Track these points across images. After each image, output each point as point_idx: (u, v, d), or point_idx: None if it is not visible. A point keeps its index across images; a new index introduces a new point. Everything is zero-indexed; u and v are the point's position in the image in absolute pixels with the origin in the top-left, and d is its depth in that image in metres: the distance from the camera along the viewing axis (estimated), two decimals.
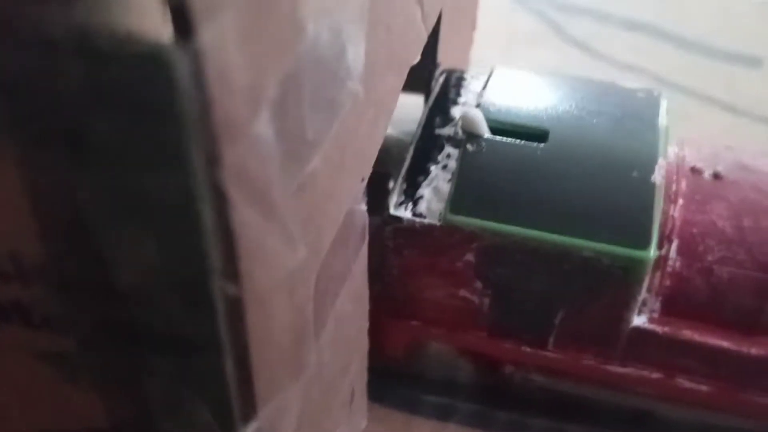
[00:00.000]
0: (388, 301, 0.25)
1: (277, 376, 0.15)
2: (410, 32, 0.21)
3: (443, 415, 0.28)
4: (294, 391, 0.16)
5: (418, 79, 0.28)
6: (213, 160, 0.10)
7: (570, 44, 0.43)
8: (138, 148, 0.11)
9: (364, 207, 0.20)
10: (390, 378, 0.28)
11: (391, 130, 0.26)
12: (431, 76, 0.28)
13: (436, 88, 0.27)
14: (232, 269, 0.12)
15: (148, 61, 0.10)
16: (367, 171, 0.19)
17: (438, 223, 0.23)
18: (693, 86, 0.41)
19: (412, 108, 0.27)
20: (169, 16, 0.09)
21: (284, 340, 0.15)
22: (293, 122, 0.13)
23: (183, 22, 0.09)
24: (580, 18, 0.45)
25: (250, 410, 0.14)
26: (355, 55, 0.16)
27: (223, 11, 0.10)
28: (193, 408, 0.14)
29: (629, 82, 0.41)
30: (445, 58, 0.29)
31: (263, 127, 0.11)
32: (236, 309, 0.13)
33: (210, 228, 0.11)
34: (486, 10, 0.37)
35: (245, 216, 0.12)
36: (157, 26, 0.09)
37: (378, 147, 0.20)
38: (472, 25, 0.35)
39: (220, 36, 0.10)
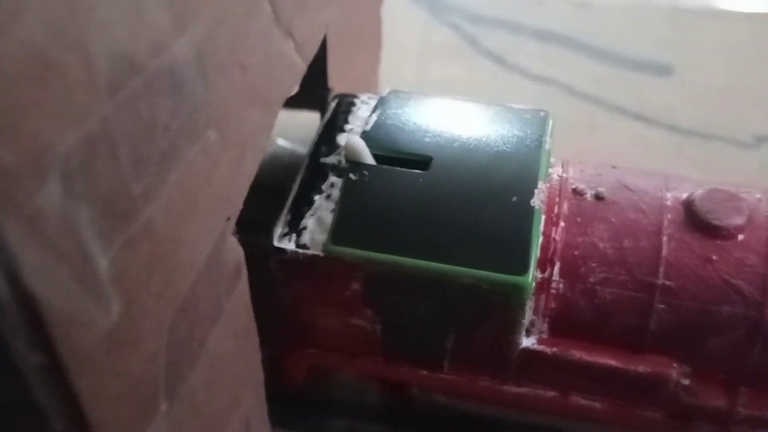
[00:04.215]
0: (283, 330, 0.25)
1: (122, 428, 0.15)
2: (278, 66, 0.21)
3: None
4: None
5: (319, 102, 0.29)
6: None
7: (484, 57, 0.43)
8: None
9: (234, 244, 0.20)
10: (295, 404, 0.28)
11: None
12: (324, 102, 0.28)
13: (327, 114, 0.27)
14: (37, 338, 0.12)
15: None
16: (233, 210, 0.19)
17: (321, 254, 0.23)
18: (603, 96, 0.41)
19: None
20: None
21: (126, 394, 0.15)
22: (108, 183, 0.13)
23: None
24: (494, 30, 0.45)
25: None
26: (194, 104, 0.16)
27: None
28: None
29: (541, 93, 0.42)
30: (344, 80, 0.29)
31: (52, 195, 0.11)
32: (53, 374, 0.12)
33: (4, 301, 0.11)
34: (401, 25, 0.37)
35: (46, 284, 0.11)
36: None
37: (247, 184, 0.20)
38: (377, 44, 0.35)
39: None
